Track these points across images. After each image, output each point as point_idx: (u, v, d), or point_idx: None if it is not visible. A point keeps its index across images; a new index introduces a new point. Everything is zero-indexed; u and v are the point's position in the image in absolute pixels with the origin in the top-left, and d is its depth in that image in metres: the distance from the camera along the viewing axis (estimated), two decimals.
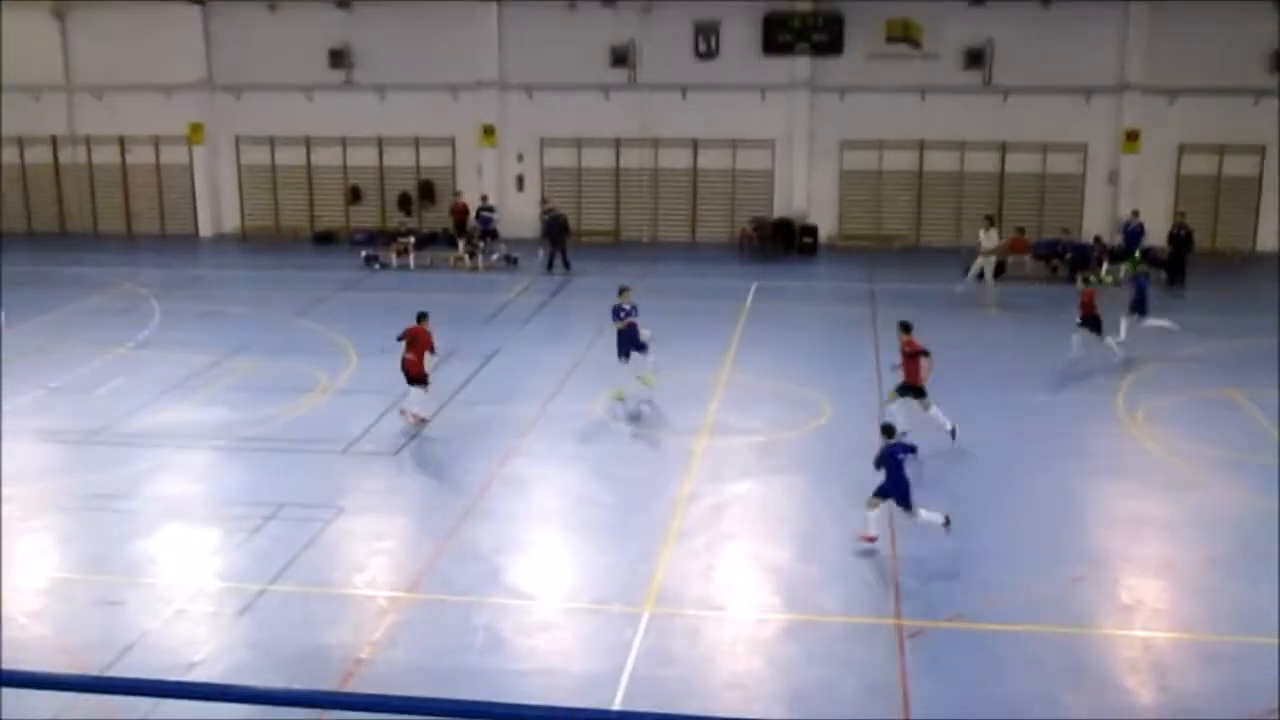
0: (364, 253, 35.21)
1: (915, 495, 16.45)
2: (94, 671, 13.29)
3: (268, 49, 38.43)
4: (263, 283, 32.88)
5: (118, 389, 23.69)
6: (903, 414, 20.01)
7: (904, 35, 36.46)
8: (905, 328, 20.39)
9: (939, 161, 37.52)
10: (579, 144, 38.12)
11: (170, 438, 21.05)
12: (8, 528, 18.06)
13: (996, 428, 21.27)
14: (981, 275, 31.39)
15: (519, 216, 37.87)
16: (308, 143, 39.09)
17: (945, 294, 30.96)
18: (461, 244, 34.93)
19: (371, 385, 23.51)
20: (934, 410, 20.19)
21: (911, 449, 16.66)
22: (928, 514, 16.42)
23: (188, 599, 15.58)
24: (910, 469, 16.56)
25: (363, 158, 39.12)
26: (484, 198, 36.75)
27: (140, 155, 40.06)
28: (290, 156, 39.40)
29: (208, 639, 14.70)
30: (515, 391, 23.42)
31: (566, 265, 33.58)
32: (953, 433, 20.11)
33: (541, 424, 21.83)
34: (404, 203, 38.75)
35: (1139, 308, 26.17)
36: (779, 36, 37.13)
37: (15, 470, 20.01)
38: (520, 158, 38.64)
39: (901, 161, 37.65)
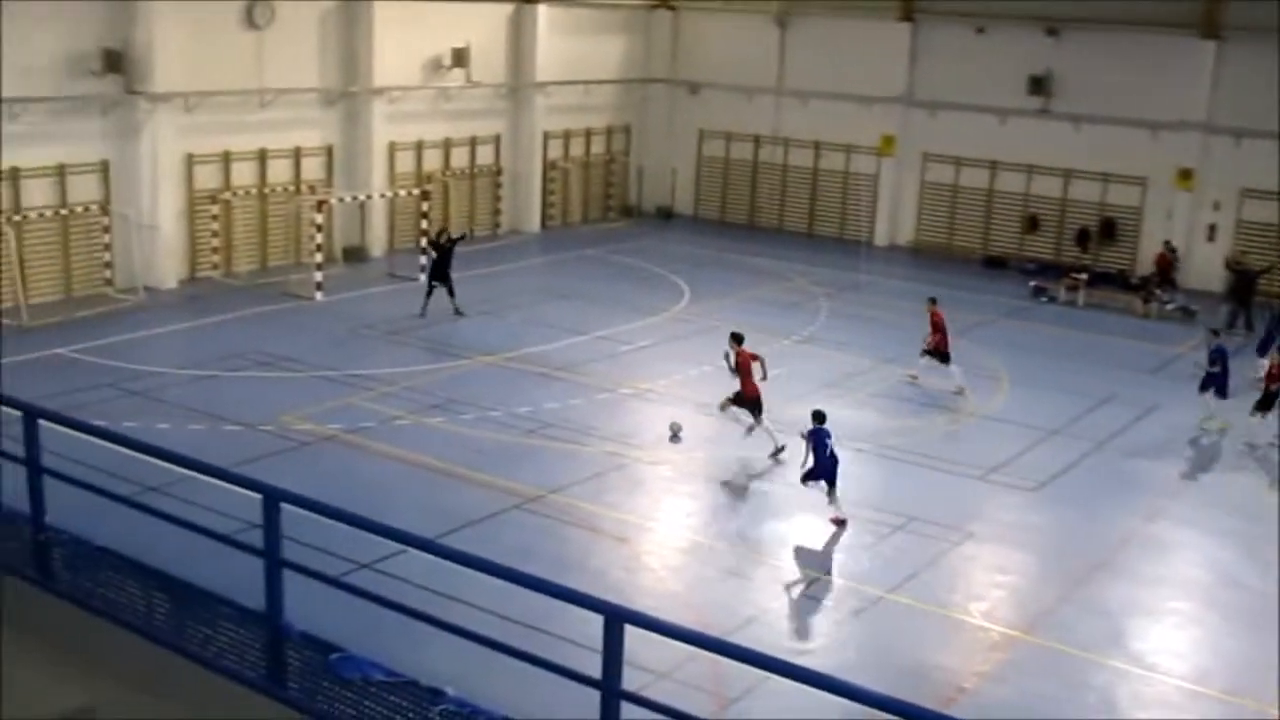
0: (1033, 283, 34.62)
1: None
2: (715, 634, 14.15)
3: (968, 70, 38.67)
4: (927, 298, 33.26)
5: (777, 377, 24.88)
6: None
7: None
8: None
9: None
10: None
11: None
12: (664, 487, 19.64)
13: None
14: None
15: (1204, 268, 35.58)
16: (993, 166, 38.98)
17: None
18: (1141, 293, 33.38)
19: (1019, 416, 23.10)
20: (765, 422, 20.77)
21: (830, 436, 18.23)
22: (837, 510, 17.98)
23: (810, 588, 16.15)
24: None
25: (1046, 187, 38.39)
26: (1166, 243, 34.90)
27: (831, 161, 41.80)
28: (973, 178, 39.47)
29: (821, 631, 15.19)
30: (1169, 449, 22.05)
31: (1249, 326, 31.14)
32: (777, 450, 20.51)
33: (1194, 489, 20.46)
34: (1082, 238, 37.62)
35: None
36: None
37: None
38: (1216, 206, 36.27)
39: None
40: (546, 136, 40.10)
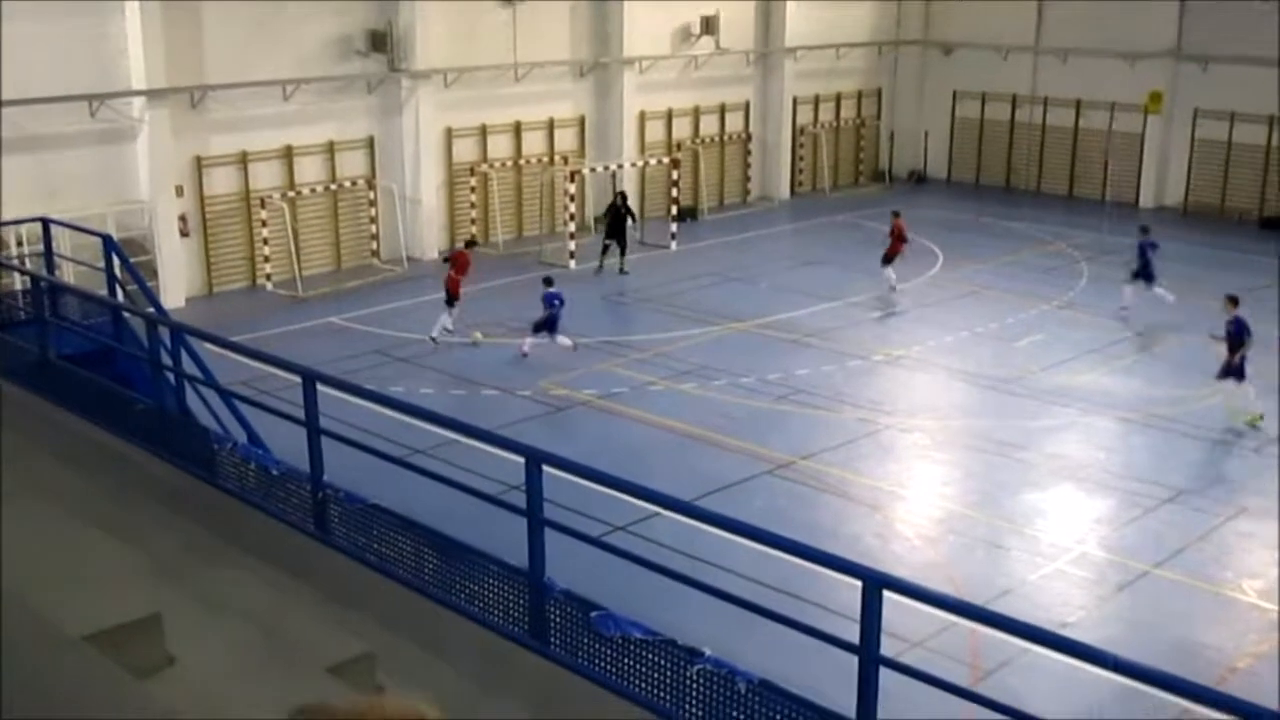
0: None
1: None
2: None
3: (1244, 18, 36.47)
4: (1197, 260, 31.67)
5: (1037, 343, 24.23)
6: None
7: None
8: None
9: None
10: None
11: (1079, 400, 21.16)
12: (918, 455, 19.37)
13: None
14: None
15: None
16: (1271, 121, 36.76)
17: None
18: None
19: None
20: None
21: (560, 298, 22.99)
22: (564, 339, 22.96)
23: (1070, 561, 15.68)
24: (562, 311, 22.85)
25: None
26: None
27: (1093, 120, 40.13)
28: (1248, 134, 37.26)
29: (1083, 605, 14.72)
30: None
31: None
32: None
33: None
34: None
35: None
36: None
37: (931, 403, 21.35)
38: None
39: None
40: (796, 102, 39.82)
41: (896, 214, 29.01)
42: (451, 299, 24.24)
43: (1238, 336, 20.13)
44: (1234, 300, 20.68)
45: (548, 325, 23.09)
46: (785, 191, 39.78)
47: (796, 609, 9.75)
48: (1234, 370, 20.11)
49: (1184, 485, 17.74)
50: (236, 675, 5.69)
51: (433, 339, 23.79)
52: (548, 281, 23.67)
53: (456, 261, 24.88)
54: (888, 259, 28.13)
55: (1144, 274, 26.34)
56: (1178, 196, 38.94)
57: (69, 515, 7.50)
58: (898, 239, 28.20)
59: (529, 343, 23.13)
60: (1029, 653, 12.30)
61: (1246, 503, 17.26)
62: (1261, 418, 19.95)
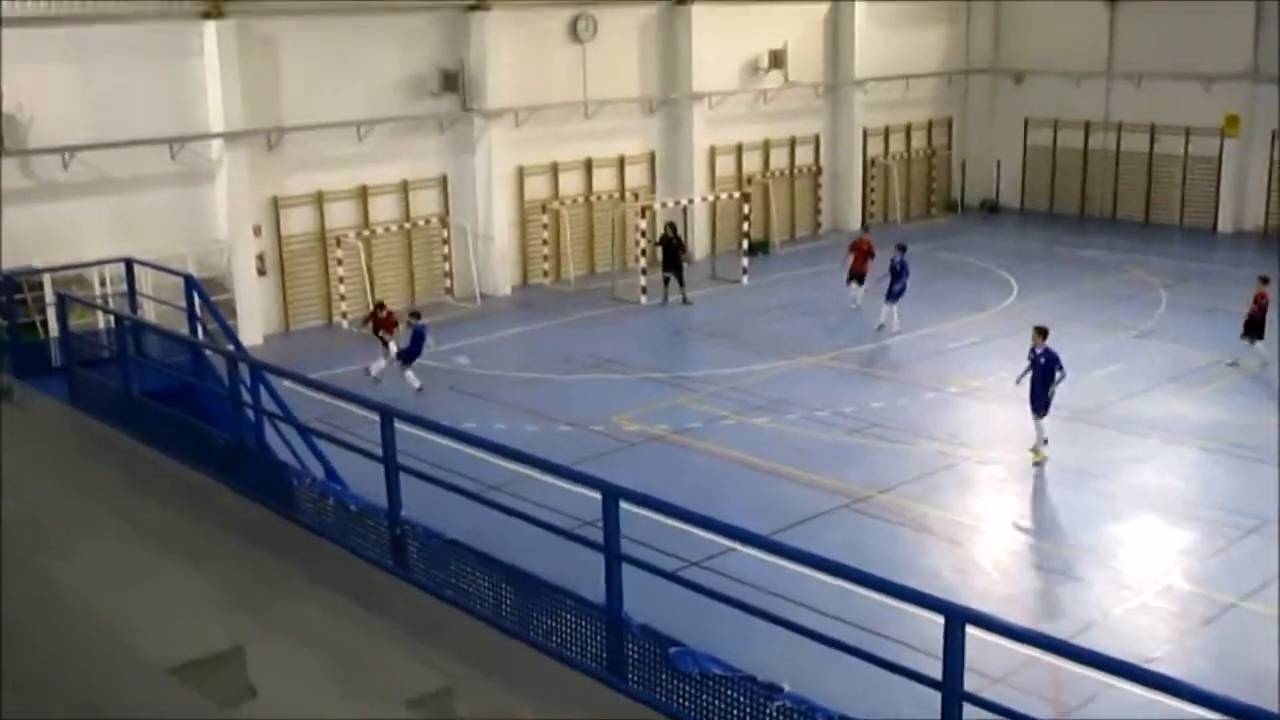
0: None
1: None
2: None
3: None
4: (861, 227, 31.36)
5: (1115, 373, 23.86)
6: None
7: None
8: None
9: None
10: None
11: (1159, 429, 20.82)
12: (996, 487, 19.12)
13: None
14: None
15: None
16: None
17: None
18: None
19: None
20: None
21: (425, 330, 23.64)
22: (411, 376, 23.26)
23: (1154, 594, 15.39)
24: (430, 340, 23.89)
25: None
26: None
27: (1168, 145, 39.66)
28: None
29: (1168, 639, 14.43)
30: None
31: None
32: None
33: None
34: None
35: None
36: None
37: (1008, 434, 21.05)
38: None
39: None
40: (866, 133, 39.73)
41: (865, 229, 31.87)
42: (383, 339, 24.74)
43: (1047, 369, 19.58)
44: (1043, 332, 19.92)
45: (414, 356, 23.59)
46: (857, 223, 39.55)
47: (873, 644, 9.65)
48: (1039, 402, 19.61)
49: (1268, 515, 17.34)
50: (317, 707, 5.72)
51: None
52: (415, 315, 24.18)
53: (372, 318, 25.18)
54: (856, 277, 29.20)
55: (891, 291, 27.24)
56: (1257, 220, 38.33)
57: (151, 547, 7.61)
58: (865, 254, 29.15)
59: (410, 376, 23.32)
60: (1112, 688, 12.07)
61: None
62: (1046, 459, 19.49)
